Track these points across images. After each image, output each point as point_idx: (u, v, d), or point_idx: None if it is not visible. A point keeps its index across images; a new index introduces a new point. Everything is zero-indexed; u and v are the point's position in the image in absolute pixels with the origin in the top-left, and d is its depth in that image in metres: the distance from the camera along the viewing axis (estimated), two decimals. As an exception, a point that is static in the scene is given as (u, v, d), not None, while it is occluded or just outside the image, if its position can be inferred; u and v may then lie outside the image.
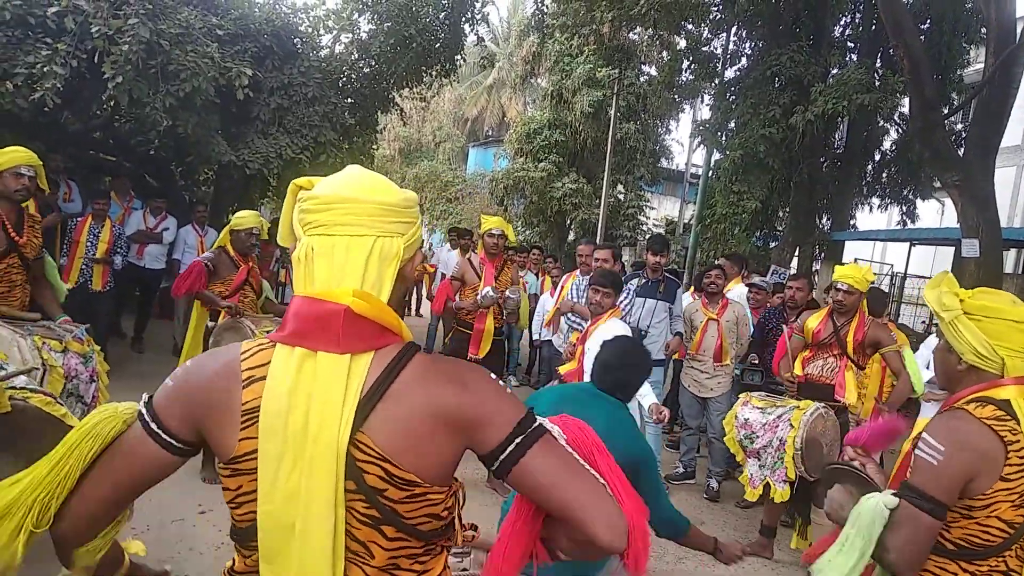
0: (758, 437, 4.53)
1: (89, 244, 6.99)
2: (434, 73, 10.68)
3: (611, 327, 4.39)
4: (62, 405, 2.79)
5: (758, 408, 4.63)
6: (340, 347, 1.16)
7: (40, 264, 3.98)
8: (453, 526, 1.28)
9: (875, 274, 17.83)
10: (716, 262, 7.38)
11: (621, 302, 5.50)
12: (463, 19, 10.38)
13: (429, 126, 31.31)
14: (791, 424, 4.34)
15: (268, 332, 4.64)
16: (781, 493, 4.37)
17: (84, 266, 6.94)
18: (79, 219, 7.05)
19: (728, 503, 5.90)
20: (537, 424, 1.21)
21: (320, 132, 8.57)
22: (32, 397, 2.63)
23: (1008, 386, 1.89)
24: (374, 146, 11.92)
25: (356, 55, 9.92)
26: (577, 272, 6.40)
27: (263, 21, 8.30)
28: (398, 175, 29.45)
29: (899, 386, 4.84)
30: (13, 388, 2.58)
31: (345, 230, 1.21)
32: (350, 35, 9.84)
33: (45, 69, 6.16)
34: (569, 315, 6.00)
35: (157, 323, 8.79)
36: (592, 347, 4.09)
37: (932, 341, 5.23)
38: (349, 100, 9.97)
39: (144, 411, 1.25)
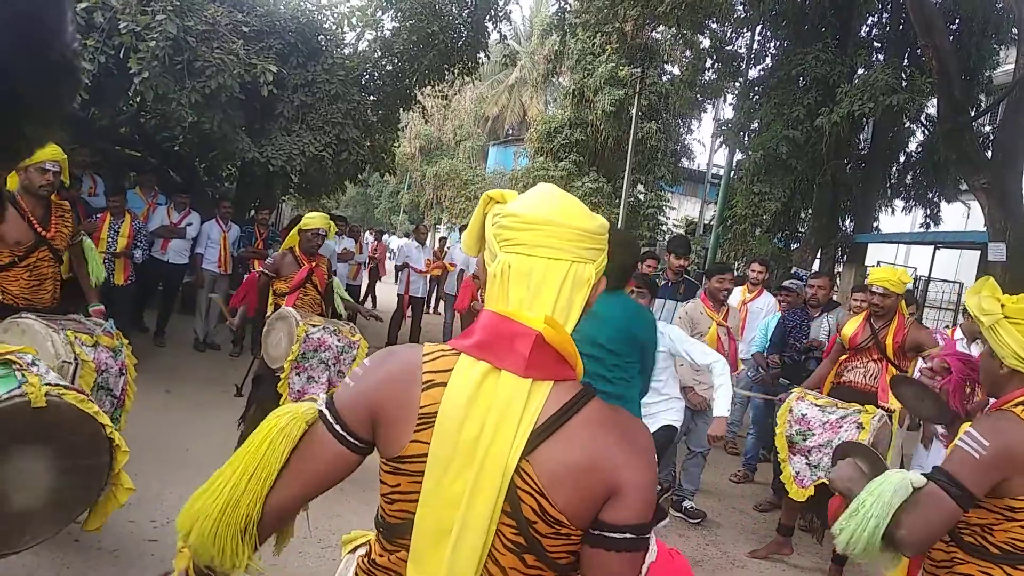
0: (814, 435, 4.39)
1: (110, 240, 7.09)
2: (456, 71, 10.68)
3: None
4: (93, 402, 2.84)
5: (817, 405, 4.51)
6: (524, 371, 1.18)
7: (78, 248, 4.05)
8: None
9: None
10: (753, 266, 7.14)
11: None
12: (486, 17, 10.37)
13: (450, 124, 31.39)
14: (861, 426, 4.23)
15: (314, 326, 4.80)
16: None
17: (105, 261, 7.01)
18: (99, 216, 7.12)
19: (742, 504, 5.84)
20: (647, 536, 1.22)
21: (343, 129, 8.60)
22: (67, 394, 2.68)
23: None
24: (396, 144, 11.94)
25: (379, 53, 9.93)
26: None
27: (288, 18, 8.34)
28: (418, 173, 29.59)
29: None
30: (48, 384, 2.63)
31: (544, 252, 1.22)
32: (373, 32, 9.86)
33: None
34: None
35: (179, 317, 8.87)
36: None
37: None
38: (372, 98, 10.00)
39: (327, 412, 1.28)
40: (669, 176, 19.58)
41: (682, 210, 24.88)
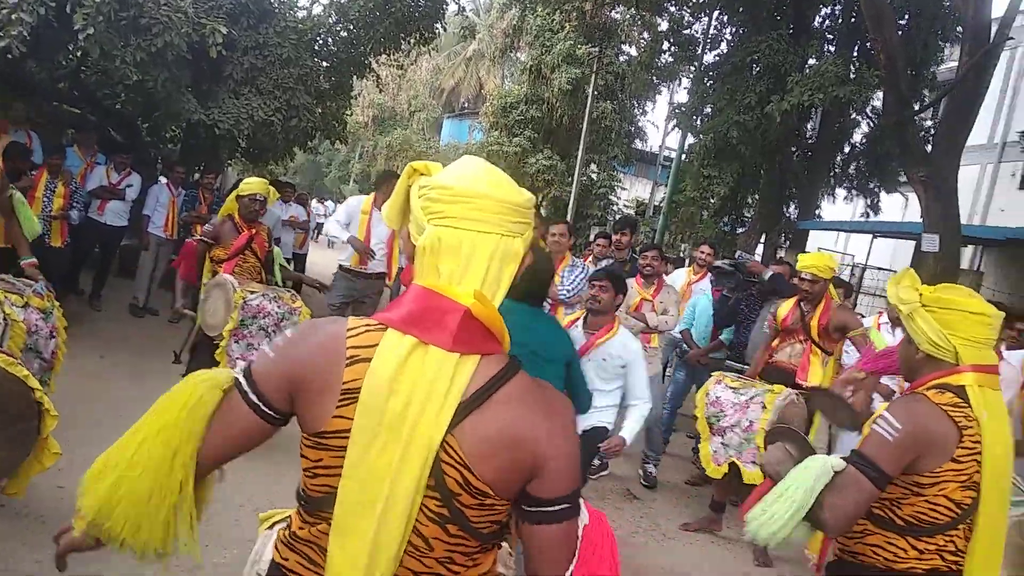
0: (726, 416, 4.56)
1: (45, 200, 6.82)
2: (412, 40, 10.50)
3: (620, 343, 4.01)
4: (22, 365, 2.76)
5: (731, 388, 4.66)
6: (452, 345, 1.18)
7: (7, 201, 3.90)
8: (507, 526, 1.34)
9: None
10: (702, 248, 7.18)
11: (579, 283, 5.42)
12: (444, -13, 10.22)
13: (405, 95, 30.95)
14: (764, 406, 4.38)
15: (252, 293, 4.69)
16: (752, 475, 4.36)
17: (42, 221, 6.76)
18: (34, 173, 6.85)
19: (671, 477, 5.95)
20: (578, 504, 1.26)
21: (294, 95, 8.41)
22: (-6, 358, 2.60)
23: (966, 373, 2.00)
24: (348, 112, 11.73)
25: (334, 18, 9.70)
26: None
27: (240, -24, 8.08)
28: (371, 143, 29.16)
29: None
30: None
31: (472, 225, 1.22)
32: (329, -3, 9.63)
33: (12, 16, 5.94)
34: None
35: (116, 281, 8.62)
36: (595, 362, 3.93)
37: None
38: (325, 64, 9.77)
39: (244, 381, 1.28)
40: (622, 156, 19.70)
41: (633, 191, 25.09)
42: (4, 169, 3.98)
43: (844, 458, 1.98)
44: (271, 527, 1.43)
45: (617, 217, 19.70)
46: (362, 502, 1.17)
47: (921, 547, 1.97)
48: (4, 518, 3.34)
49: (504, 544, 1.41)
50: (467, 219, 1.22)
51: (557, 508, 1.22)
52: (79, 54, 6.75)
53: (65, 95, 9.55)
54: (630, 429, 3.89)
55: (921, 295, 2.07)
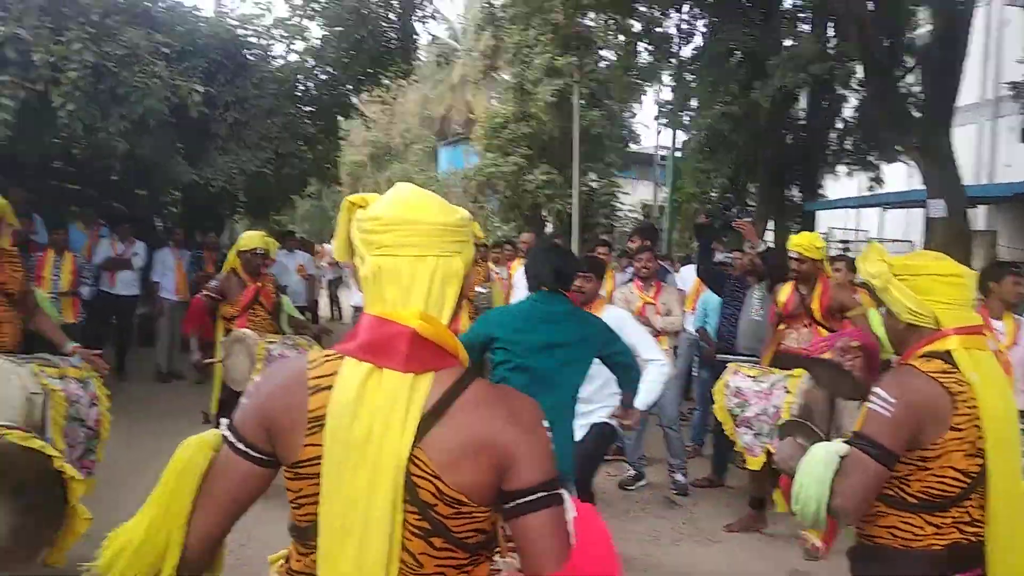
0: (750, 405, 4.48)
1: (54, 278, 6.94)
2: (391, 75, 10.65)
3: (608, 315, 4.01)
4: (39, 438, 2.81)
5: (750, 376, 4.59)
6: (404, 367, 1.23)
7: (32, 298, 3.97)
8: (496, 537, 1.36)
9: (848, 241, 17.86)
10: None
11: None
12: (413, 18, 10.35)
13: (396, 128, 31.20)
14: (787, 390, 4.32)
15: (272, 343, 4.73)
16: None
17: (52, 299, 6.88)
18: (40, 255, 6.98)
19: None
20: (559, 492, 1.28)
21: (281, 143, 8.55)
22: (9, 434, 2.66)
23: (950, 337, 1.97)
24: (339, 154, 11.86)
25: (311, 63, 9.86)
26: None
27: (210, 35, 8.25)
28: (371, 180, 29.40)
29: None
30: (-8, 428, 2.60)
31: (408, 251, 1.27)
32: (302, 43, 9.78)
33: (-7, 104, 6.11)
34: None
35: (137, 350, 8.72)
36: None
37: None
38: (308, 109, 9.94)
39: (229, 433, 1.33)
40: (619, 162, 19.71)
41: (636, 194, 25.02)
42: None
43: (846, 441, 1.96)
44: (276, 564, 1.46)
45: (624, 224, 19.74)
46: (343, 526, 1.21)
47: (937, 522, 1.93)
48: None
49: (512, 558, 1.43)
50: (402, 245, 1.27)
51: (534, 497, 1.24)
52: (65, 132, 6.86)
53: (61, 173, 9.76)
54: (646, 393, 3.74)
55: (891, 266, 2.06)
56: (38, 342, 4.07)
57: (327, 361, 1.30)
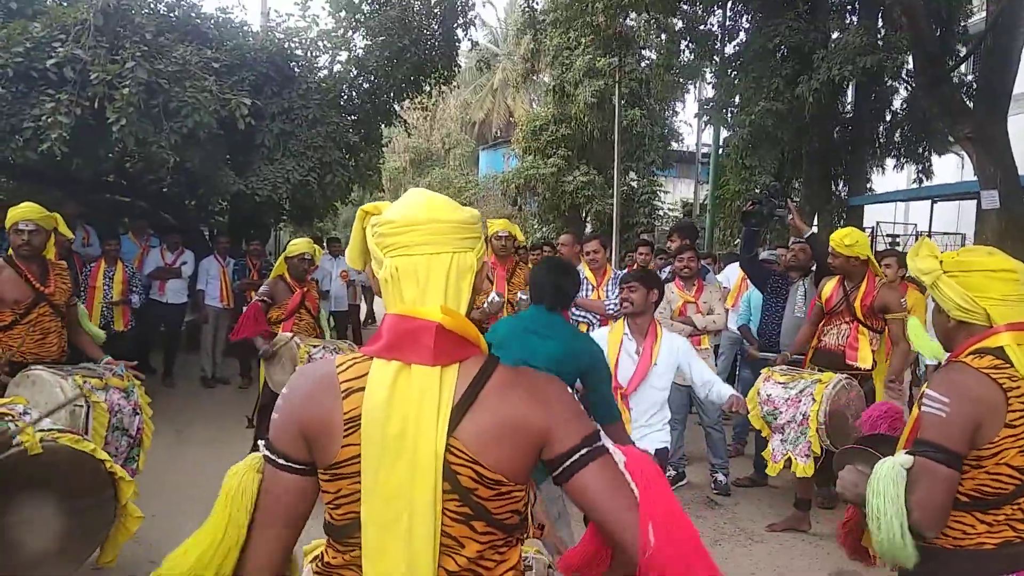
0: (781, 413, 4.48)
1: (105, 288, 7.18)
2: (433, 82, 10.73)
3: (666, 349, 3.90)
4: (90, 441, 2.89)
5: (780, 383, 4.58)
6: (432, 360, 1.27)
7: (74, 311, 4.12)
8: (527, 520, 1.42)
9: (896, 235, 17.41)
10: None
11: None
12: (455, 25, 10.41)
13: (437, 134, 31.44)
14: (813, 398, 4.29)
15: (314, 347, 4.81)
16: (804, 468, 4.31)
17: (104, 309, 7.10)
18: (93, 265, 7.20)
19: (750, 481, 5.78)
20: (601, 443, 1.33)
21: (325, 152, 8.65)
22: (61, 437, 2.74)
23: (1002, 333, 1.93)
24: (381, 161, 11.98)
25: (354, 72, 9.98)
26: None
27: (258, 49, 8.41)
28: (411, 185, 29.64)
29: (894, 358, 4.62)
30: (43, 431, 2.68)
31: (425, 249, 1.32)
32: (346, 53, 9.91)
33: (50, 120, 6.28)
34: (573, 309, 5.85)
35: (185, 356, 8.93)
36: (664, 364, 3.83)
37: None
38: (351, 117, 10.04)
39: (268, 452, 1.37)
40: (659, 161, 19.55)
41: (677, 193, 24.80)
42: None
43: (908, 452, 1.91)
44: (312, 560, 1.49)
45: (664, 222, 19.56)
46: (386, 522, 1.25)
47: (989, 520, 1.89)
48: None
49: (541, 552, 1.47)
50: (418, 244, 1.33)
51: (578, 456, 1.29)
52: (119, 146, 7.06)
53: (114, 186, 10.03)
54: (728, 390, 3.86)
55: (942, 262, 2.03)
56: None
57: (356, 363, 1.34)
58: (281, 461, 1.35)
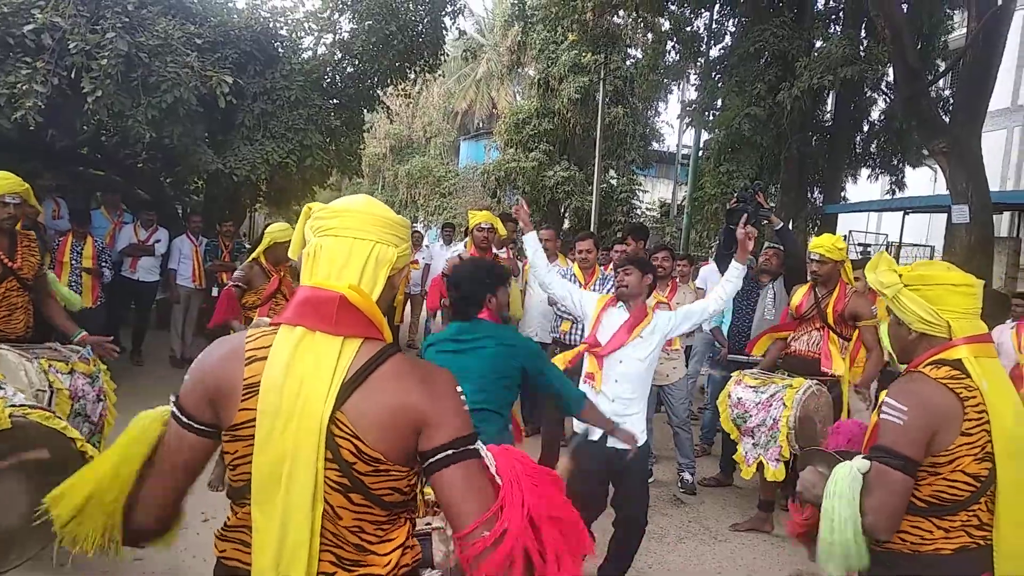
0: (751, 416, 4.54)
1: (73, 263, 7.04)
2: (418, 69, 10.65)
3: (656, 322, 3.84)
4: (60, 419, 2.84)
5: (751, 387, 4.64)
6: (335, 329, 1.37)
7: (44, 281, 4.00)
8: (415, 500, 1.49)
9: (868, 244, 17.74)
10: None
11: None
12: (443, 13, 10.33)
13: (419, 122, 31.22)
14: (784, 403, 4.35)
15: None
16: (775, 472, 4.39)
17: (72, 282, 6.96)
18: (60, 239, 7.07)
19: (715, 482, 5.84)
20: (472, 447, 1.40)
21: (305, 135, 8.55)
22: (31, 413, 2.69)
23: (960, 346, 1.99)
24: (361, 146, 11.88)
25: (339, 55, 9.86)
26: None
27: (242, 27, 8.25)
28: (390, 172, 29.46)
29: (868, 364, 4.65)
30: (13, 406, 2.64)
31: (350, 232, 1.44)
32: (332, 36, 9.79)
33: (25, 88, 6.14)
34: (558, 304, 5.89)
35: (155, 334, 8.80)
36: (649, 338, 3.74)
37: None
38: (334, 101, 9.92)
39: (175, 408, 1.46)
40: (640, 160, 19.63)
41: (655, 193, 24.93)
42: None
43: (866, 457, 1.95)
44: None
45: (638, 222, 19.64)
46: (272, 475, 1.33)
47: (946, 526, 1.94)
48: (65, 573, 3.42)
49: (437, 521, 1.60)
50: (346, 228, 1.45)
51: (444, 454, 1.36)
52: (95, 119, 6.92)
53: (89, 159, 9.84)
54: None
55: (901, 276, 2.08)
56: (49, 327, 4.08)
57: (264, 335, 1.44)
58: (185, 419, 1.43)
